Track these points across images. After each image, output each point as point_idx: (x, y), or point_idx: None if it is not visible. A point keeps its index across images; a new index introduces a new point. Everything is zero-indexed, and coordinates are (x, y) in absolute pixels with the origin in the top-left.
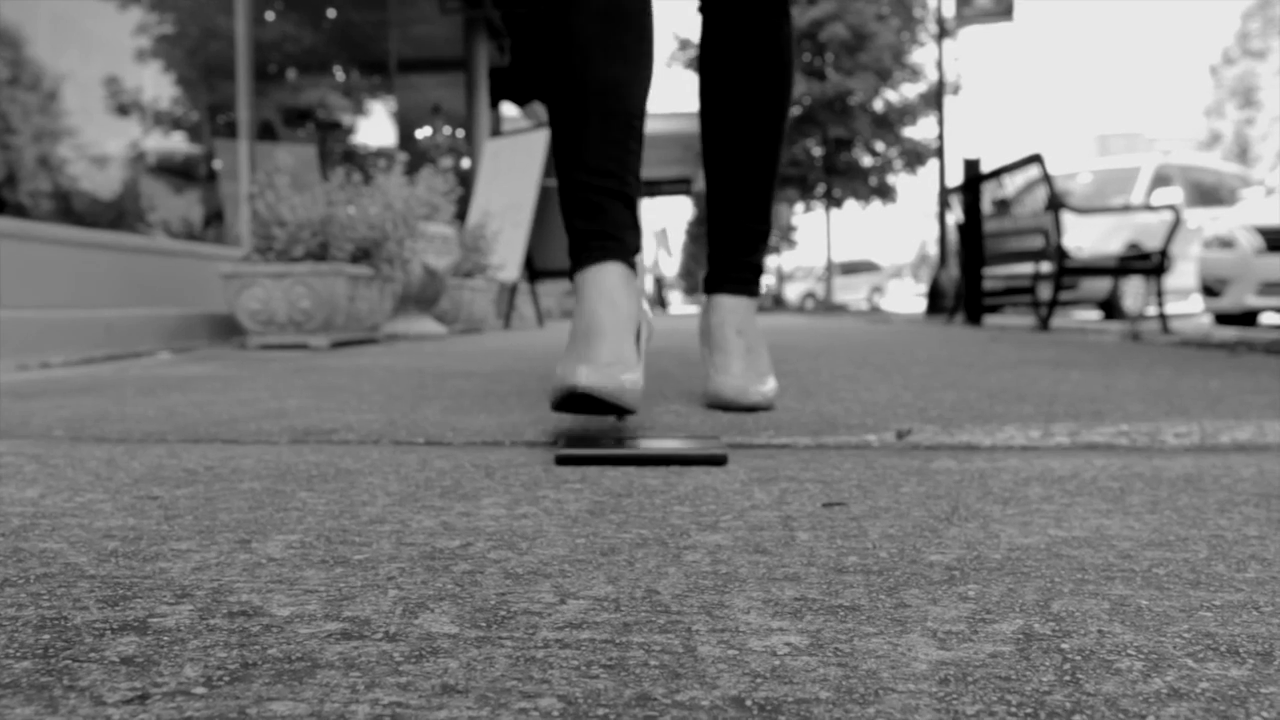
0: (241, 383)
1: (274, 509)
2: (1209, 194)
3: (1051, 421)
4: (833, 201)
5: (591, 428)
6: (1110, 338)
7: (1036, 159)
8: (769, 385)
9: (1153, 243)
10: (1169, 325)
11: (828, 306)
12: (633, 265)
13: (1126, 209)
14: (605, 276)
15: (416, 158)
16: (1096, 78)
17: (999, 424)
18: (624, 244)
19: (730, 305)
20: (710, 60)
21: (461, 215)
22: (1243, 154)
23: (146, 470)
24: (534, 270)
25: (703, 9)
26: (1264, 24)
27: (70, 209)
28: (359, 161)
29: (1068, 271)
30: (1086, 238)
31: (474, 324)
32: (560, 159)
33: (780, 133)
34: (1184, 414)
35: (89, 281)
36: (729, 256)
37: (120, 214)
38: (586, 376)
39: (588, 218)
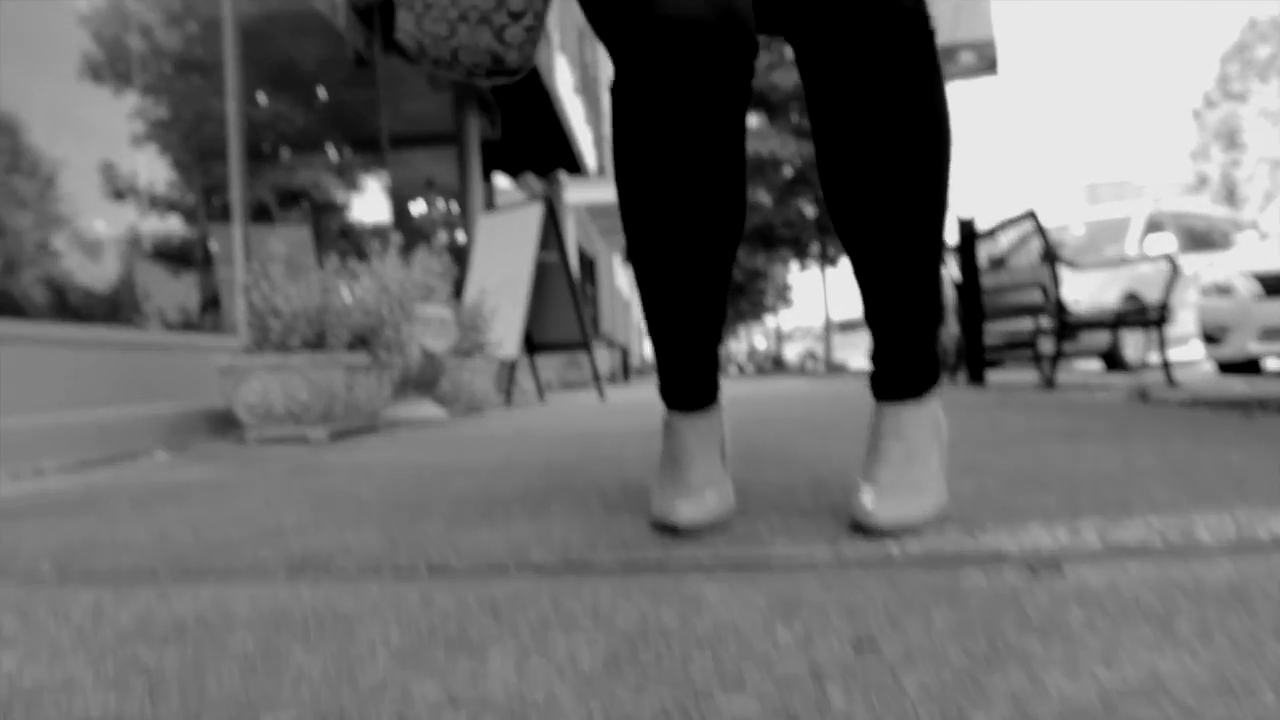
0: (238, 491)
1: (266, 674)
2: (1201, 239)
3: (1077, 517)
4: (828, 260)
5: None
6: (1117, 395)
7: (1030, 215)
8: (923, 502)
9: (1149, 292)
10: (1174, 376)
11: (829, 366)
12: (716, 400)
13: (1122, 262)
14: (693, 416)
15: (411, 234)
16: (1082, 127)
17: (1022, 520)
18: (708, 392)
19: (889, 411)
20: (821, 101)
21: (457, 292)
22: (1230, 195)
23: (133, 623)
24: (532, 344)
25: (796, 38)
26: (1242, 66)
27: (65, 303)
28: (354, 239)
29: (1069, 327)
30: (1083, 289)
31: (475, 403)
32: (645, 312)
33: (935, 189)
34: (1213, 501)
35: (84, 381)
36: (881, 349)
37: (115, 306)
38: (686, 514)
39: (674, 372)
